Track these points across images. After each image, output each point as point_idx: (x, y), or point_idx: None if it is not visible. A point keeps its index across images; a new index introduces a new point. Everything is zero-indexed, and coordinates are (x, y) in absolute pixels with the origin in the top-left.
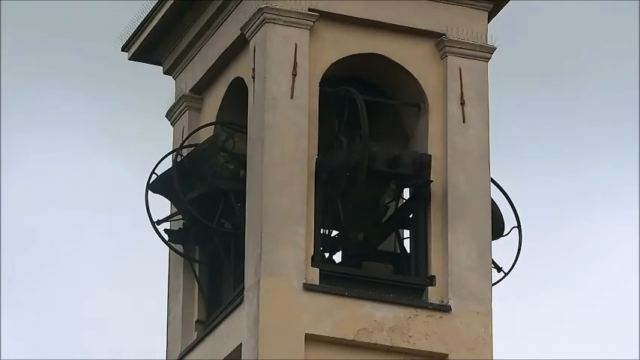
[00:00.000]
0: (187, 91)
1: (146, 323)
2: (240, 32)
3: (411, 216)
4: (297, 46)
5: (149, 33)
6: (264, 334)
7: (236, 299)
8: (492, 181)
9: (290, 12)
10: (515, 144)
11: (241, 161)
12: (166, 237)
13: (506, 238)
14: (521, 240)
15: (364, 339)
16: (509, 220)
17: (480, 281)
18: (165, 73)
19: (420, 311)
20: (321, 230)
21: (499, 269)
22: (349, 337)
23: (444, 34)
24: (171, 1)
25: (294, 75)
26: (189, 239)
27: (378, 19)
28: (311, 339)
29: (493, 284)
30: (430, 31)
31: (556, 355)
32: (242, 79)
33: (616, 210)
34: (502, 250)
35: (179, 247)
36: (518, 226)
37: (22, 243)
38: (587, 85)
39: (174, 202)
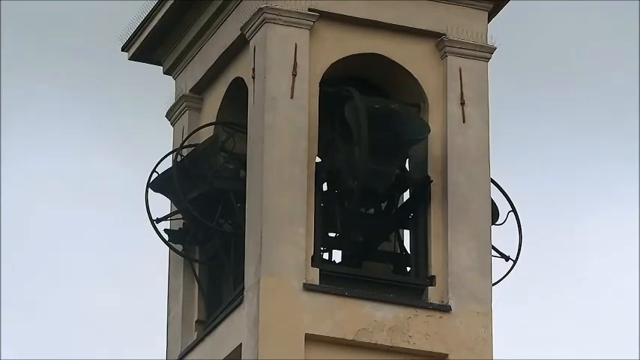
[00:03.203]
0: (187, 91)
1: (146, 323)
2: (240, 32)
3: (411, 216)
4: (297, 46)
5: (149, 33)
6: (264, 334)
7: (236, 299)
8: (492, 181)
9: (290, 12)
10: (515, 144)
11: (241, 161)
12: (166, 237)
13: (505, 230)
14: (519, 224)
15: (364, 339)
16: (504, 211)
17: (480, 281)
18: (165, 73)
19: (420, 311)
20: (321, 230)
21: (507, 258)
22: (349, 337)
23: (444, 34)
24: (171, 1)
25: (294, 75)
26: (189, 239)
27: (378, 19)
28: (311, 339)
29: (504, 275)
30: (430, 31)
31: (556, 355)
32: (242, 79)
33: (616, 210)
34: (502, 242)
35: (179, 247)
36: (514, 211)
37: (21, 243)
38: (587, 84)
39: (174, 201)
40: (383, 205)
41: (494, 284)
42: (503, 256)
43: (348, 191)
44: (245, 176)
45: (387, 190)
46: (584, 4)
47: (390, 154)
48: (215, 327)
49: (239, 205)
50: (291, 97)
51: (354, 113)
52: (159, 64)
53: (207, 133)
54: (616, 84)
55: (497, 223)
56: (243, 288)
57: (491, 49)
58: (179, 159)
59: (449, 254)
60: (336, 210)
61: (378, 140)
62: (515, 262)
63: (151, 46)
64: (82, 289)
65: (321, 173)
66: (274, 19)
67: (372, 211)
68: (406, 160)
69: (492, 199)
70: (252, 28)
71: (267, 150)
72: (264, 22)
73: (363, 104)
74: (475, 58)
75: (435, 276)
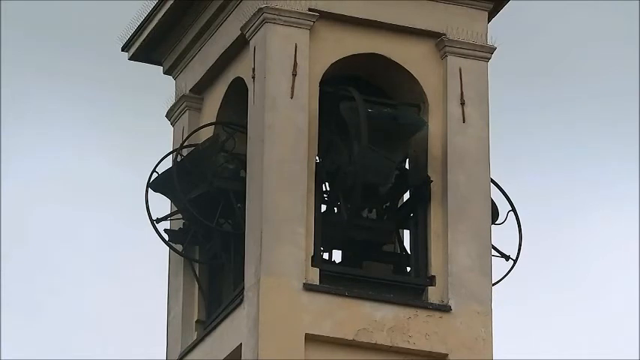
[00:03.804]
0: (187, 91)
1: (146, 323)
2: (240, 32)
3: (411, 216)
4: (297, 46)
5: (149, 33)
6: (264, 334)
7: (236, 299)
8: (492, 181)
9: (290, 12)
10: (515, 144)
11: (241, 161)
12: (166, 237)
13: (505, 230)
14: (519, 224)
15: (364, 339)
16: (504, 210)
17: (479, 281)
18: (165, 73)
19: (420, 311)
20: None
21: (507, 257)
22: (349, 337)
23: (444, 34)
24: (171, 1)
25: (294, 75)
26: (189, 239)
27: (378, 19)
28: (311, 339)
29: (505, 275)
30: (430, 31)
31: (556, 355)
32: (242, 79)
33: (616, 209)
34: (502, 242)
35: (179, 247)
36: (514, 210)
37: (21, 243)
38: (586, 84)
39: (174, 201)
40: (384, 206)
41: (494, 284)
42: (503, 255)
43: (349, 189)
44: (245, 176)
45: (388, 189)
46: (584, 4)
47: (389, 147)
48: (215, 327)
49: (239, 205)
50: (291, 97)
51: (352, 111)
52: (159, 64)
53: (207, 133)
54: (616, 84)
55: (497, 222)
56: (243, 288)
57: (491, 49)
58: (179, 159)
59: (449, 254)
60: (337, 210)
61: (377, 136)
62: (515, 261)
63: (150, 46)
64: (82, 289)
65: (321, 173)
66: (274, 19)
67: (373, 212)
68: (406, 158)
69: (492, 199)
70: (252, 28)
71: (267, 150)
72: (264, 22)
73: (361, 101)
74: (475, 58)
75: (435, 276)
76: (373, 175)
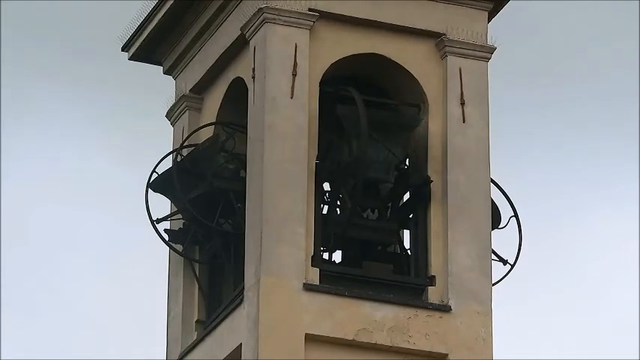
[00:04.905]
0: (187, 91)
1: (146, 323)
2: (240, 32)
3: (411, 216)
4: (297, 46)
5: (149, 33)
6: (264, 334)
7: (236, 299)
8: (492, 181)
9: (290, 12)
10: (515, 144)
11: (241, 161)
12: (166, 237)
13: (506, 232)
14: (520, 229)
15: (364, 339)
16: (505, 213)
17: (479, 281)
18: (165, 73)
19: (420, 311)
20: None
21: (505, 262)
22: (349, 337)
23: (444, 34)
24: (171, 1)
25: (294, 75)
26: (189, 239)
27: (378, 19)
28: (311, 339)
29: (501, 279)
30: (430, 31)
31: (556, 355)
32: (242, 79)
33: (616, 209)
34: (502, 244)
35: (179, 247)
36: (516, 216)
37: (21, 242)
38: (587, 84)
39: (174, 201)
40: (384, 206)
41: (494, 284)
42: (501, 259)
43: (350, 185)
44: (245, 176)
45: (389, 190)
46: (584, 4)
47: (389, 143)
48: (215, 327)
49: (239, 205)
50: (291, 97)
51: (350, 111)
52: (159, 64)
53: (207, 133)
54: (616, 84)
55: (498, 227)
56: (243, 288)
57: (492, 49)
58: (179, 159)
59: (449, 254)
60: (337, 209)
61: (376, 134)
62: (512, 266)
63: (151, 46)
64: (81, 288)
65: (321, 173)
66: (274, 19)
67: (374, 213)
68: (406, 158)
69: (495, 203)
70: (252, 28)
71: (267, 150)
72: (264, 22)
73: (361, 101)
74: (475, 58)
75: (435, 276)
76: (374, 170)
